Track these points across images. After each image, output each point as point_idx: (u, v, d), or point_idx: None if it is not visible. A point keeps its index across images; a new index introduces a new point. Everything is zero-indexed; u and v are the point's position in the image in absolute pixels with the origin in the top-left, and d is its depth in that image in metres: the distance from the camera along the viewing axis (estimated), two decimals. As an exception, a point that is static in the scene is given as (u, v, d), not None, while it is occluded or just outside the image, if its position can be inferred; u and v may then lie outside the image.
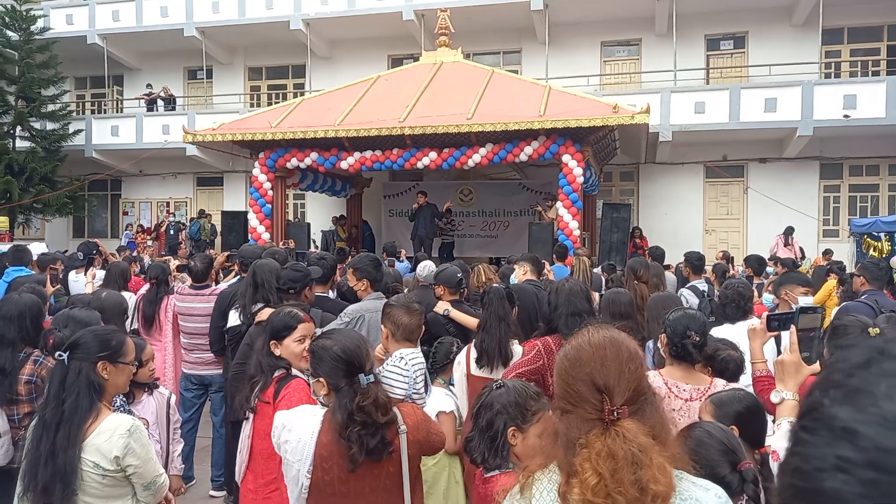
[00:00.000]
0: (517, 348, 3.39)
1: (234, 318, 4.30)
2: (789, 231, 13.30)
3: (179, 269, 7.51)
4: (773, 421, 2.08)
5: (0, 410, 3.26)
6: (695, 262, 6.33)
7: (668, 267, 9.77)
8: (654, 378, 2.64)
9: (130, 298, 5.38)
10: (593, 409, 1.33)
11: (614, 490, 1.24)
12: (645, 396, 1.36)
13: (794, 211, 14.62)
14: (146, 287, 5.64)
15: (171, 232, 16.13)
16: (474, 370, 3.41)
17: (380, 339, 2.95)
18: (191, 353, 5.03)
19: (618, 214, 12.63)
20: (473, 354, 3.44)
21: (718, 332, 3.53)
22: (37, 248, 8.39)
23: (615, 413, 1.31)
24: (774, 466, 1.92)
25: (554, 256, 8.57)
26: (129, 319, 5.01)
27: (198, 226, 16.06)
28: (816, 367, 2.02)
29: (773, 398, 2.02)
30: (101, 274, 6.29)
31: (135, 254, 13.24)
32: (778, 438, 1.94)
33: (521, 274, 5.29)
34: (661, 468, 1.26)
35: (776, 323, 2.53)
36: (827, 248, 12.34)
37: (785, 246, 12.65)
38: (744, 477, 1.73)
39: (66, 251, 12.71)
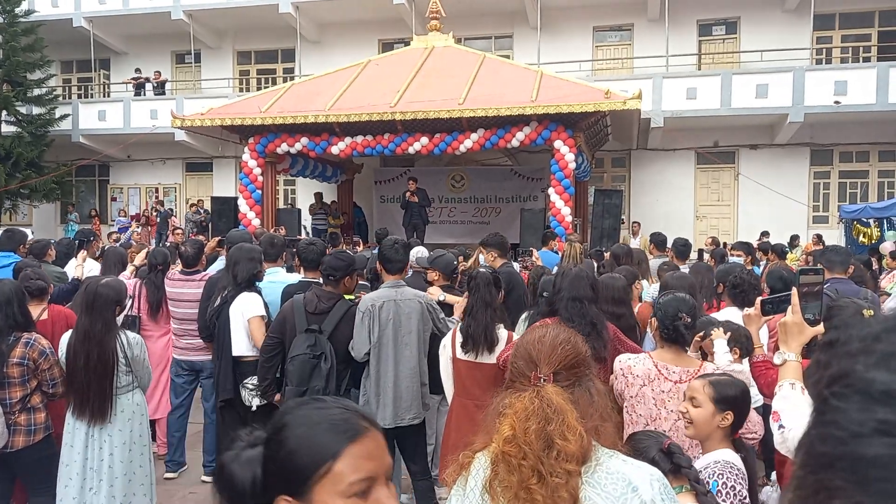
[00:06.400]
0: (502, 333, 3.41)
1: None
2: (794, 239, 12.89)
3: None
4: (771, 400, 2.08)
5: None
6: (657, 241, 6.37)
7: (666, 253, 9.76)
8: (645, 360, 2.65)
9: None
10: (527, 380, 1.46)
11: (522, 441, 1.33)
12: (579, 378, 1.48)
13: (785, 197, 14.67)
14: (131, 272, 5.54)
15: (160, 219, 16.04)
16: (459, 354, 3.44)
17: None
18: (181, 339, 4.99)
19: (609, 201, 12.62)
20: (459, 339, 3.45)
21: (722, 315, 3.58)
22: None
23: (541, 380, 1.44)
24: (775, 427, 1.93)
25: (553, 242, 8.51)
26: (129, 306, 4.93)
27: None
28: (820, 328, 1.99)
29: (776, 360, 2.02)
30: (91, 264, 6.11)
31: (130, 240, 13.14)
32: (779, 400, 1.93)
33: (490, 260, 5.28)
34: (572, 428, 1.33)
35: (770, 306, 2.53)
36: (817, 233, 12.37)
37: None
38: (671, 449, 1.85)
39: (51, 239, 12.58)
